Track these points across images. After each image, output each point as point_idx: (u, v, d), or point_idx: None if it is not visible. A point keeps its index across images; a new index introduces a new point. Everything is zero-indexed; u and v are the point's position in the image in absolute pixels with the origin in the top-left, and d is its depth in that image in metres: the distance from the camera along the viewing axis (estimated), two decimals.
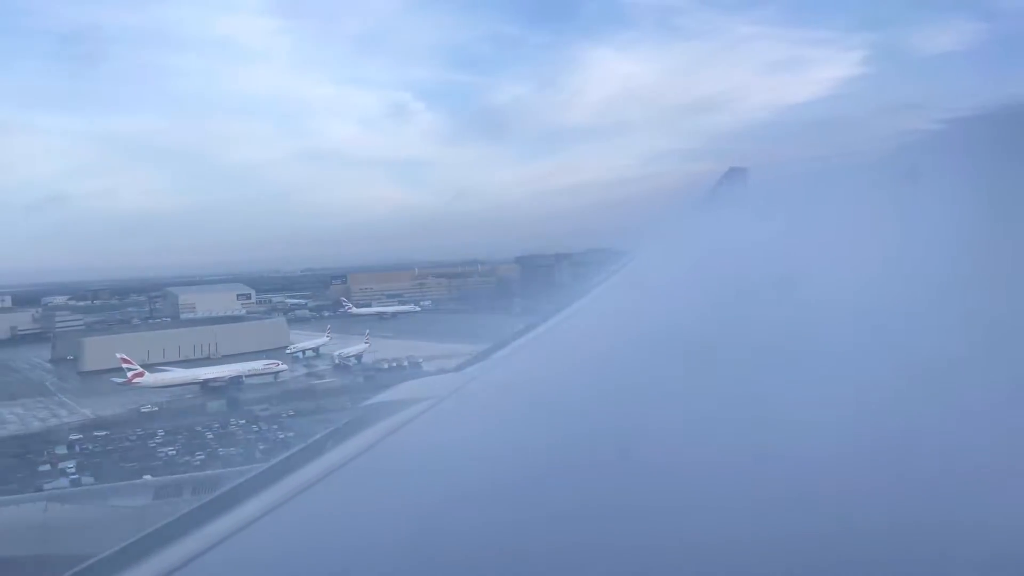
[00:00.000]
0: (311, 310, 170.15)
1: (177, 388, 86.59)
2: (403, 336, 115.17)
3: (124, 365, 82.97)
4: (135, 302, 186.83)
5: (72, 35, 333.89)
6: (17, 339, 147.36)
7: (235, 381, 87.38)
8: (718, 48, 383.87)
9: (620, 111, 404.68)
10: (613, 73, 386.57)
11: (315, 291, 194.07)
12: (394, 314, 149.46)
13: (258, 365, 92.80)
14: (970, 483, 2.64)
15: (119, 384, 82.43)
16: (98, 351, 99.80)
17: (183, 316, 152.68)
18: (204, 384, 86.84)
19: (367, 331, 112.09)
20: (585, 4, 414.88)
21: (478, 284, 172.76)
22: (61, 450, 65.51)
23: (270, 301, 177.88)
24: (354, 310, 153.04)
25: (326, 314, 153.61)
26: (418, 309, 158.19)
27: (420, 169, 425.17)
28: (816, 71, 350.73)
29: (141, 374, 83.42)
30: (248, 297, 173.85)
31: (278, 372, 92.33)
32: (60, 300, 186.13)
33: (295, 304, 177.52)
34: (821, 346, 3.91)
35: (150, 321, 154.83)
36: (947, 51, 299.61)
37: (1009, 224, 4.30)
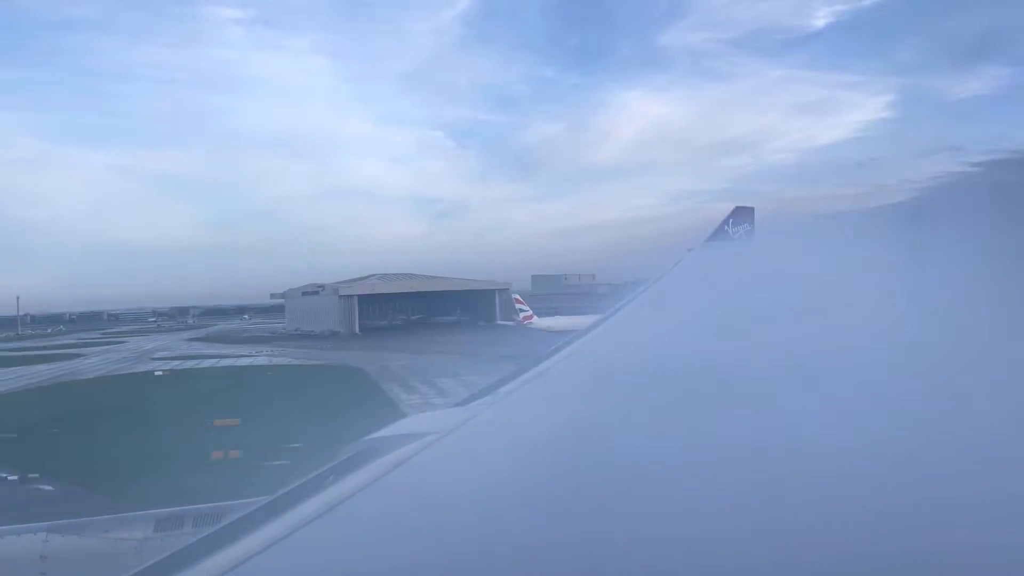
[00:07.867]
0: None
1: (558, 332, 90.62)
2: None
3: (517, 305, 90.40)
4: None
5: (118, 74, 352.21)
6: None
7: None
8: (748, 91, 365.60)
9: (648, 151, 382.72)
10: (643, 114, 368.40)
11: None
12: None
13: None
14: (982, 509, 2.72)
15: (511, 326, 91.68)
16: None
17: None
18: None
19: None
20: (620, 47, 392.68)
21: None
22: None
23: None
24: None
25: None
26: None
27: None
28: (844, 114, 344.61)
29: (531, 316, 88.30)
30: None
31: None
32: None
33: None
34: (839, 377, 3.97)
35: None
36: (976, 96, 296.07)
37: None
